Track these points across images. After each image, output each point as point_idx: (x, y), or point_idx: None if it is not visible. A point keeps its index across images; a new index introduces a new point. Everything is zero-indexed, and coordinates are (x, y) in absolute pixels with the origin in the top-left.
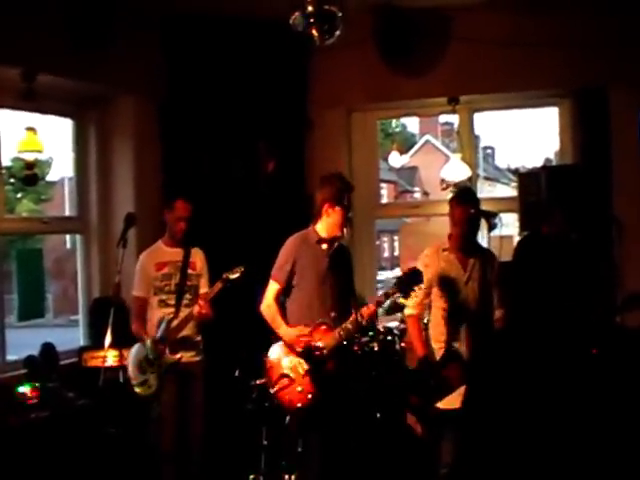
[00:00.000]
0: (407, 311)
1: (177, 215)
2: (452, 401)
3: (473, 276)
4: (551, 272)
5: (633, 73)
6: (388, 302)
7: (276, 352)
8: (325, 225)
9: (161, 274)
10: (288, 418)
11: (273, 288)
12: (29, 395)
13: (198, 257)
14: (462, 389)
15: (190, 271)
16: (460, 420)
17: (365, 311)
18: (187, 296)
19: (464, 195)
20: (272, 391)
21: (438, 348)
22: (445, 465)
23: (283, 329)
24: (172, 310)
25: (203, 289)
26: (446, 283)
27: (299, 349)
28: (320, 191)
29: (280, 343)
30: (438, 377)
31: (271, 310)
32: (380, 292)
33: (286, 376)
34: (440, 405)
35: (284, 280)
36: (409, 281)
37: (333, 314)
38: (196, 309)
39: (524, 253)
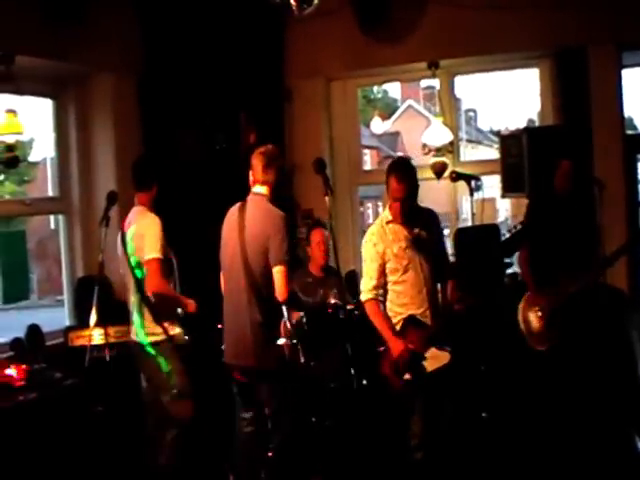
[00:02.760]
0: (363, 297)
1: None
2: None
3: (421, 242)
4: (564, 231)
5: (613, 33)
6: None
7: None
8: None
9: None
10: None
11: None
12: (16, 377)
13: None
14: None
15: None
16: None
17: None
18: None
19: (398, 166)
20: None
21: (396, 322)
22: (415, 436)
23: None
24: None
25: None
26: (399, 254)
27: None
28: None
29: None
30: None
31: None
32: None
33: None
34: (408, 376)
35: None
36: None
37: None
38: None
39: (537, 214)
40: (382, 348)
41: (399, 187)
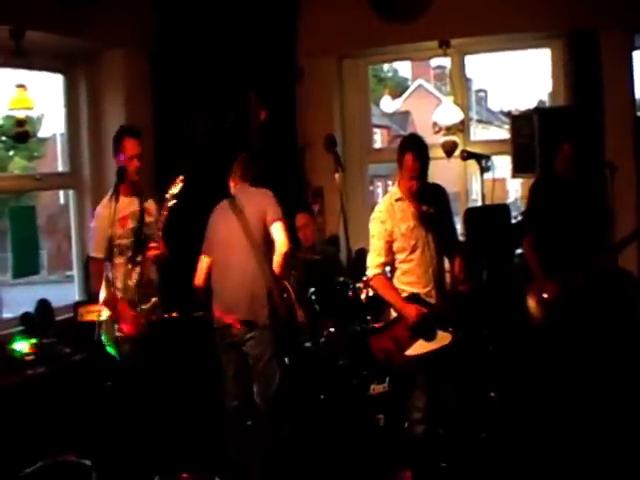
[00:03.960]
0: (370, 272)
1: (128, 154)
2: (421, 347)
3: (429, 219)
4: (568, 215)
5: (625, 14)
6: None
7: None
8: None
9: (126, 230)
10: None
11: None
12: (26, 352)
13: (150, 202)
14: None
15: (148, 219)
16: (433, 363)
17: None
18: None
19: (415, 143)
20: None
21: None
22: (417, 409)
23: None
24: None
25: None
26: (406, 233)
27: None
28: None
29: None
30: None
31: None
32: None
33: None
34: (409, 352)
35: None
36: None
37: None
38: (150, 252)
39: (539, 198)
40: (380, 324)
41: (416, 165)
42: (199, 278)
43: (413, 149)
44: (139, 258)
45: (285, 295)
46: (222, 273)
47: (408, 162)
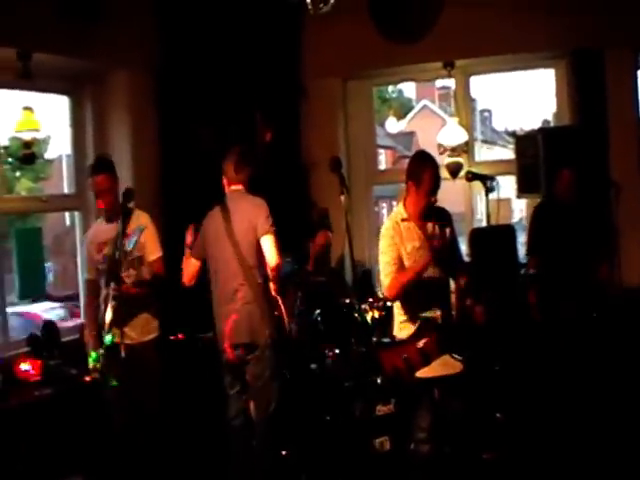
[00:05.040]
0: (384, 287)
1: (94, 190)
2: (431, 370)
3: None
4: (566, 238)
5: (629, 34)
6: None
7: None
8: None
9: (102, 256)
10: None
11: None
12: (32, 373)
13: (137, 225)
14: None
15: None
16: (442, 385)
17: None
18: (131, 271)
19: (430, 157)
20: None
21: (404, 320)
22: (421, 429)
23: None
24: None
25: (152, 256)
26: (412, 252)
27: None
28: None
29: None
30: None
31: None
32: None
33: None
34: (419, 374)
35: None
36: None
37: None
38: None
39: (539, 222)
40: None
41: (437, 180)
42: (188, 278)
43: (432, 165)
44: (113, 284)
45: (276, 313)
46: (219, 289)
47: (429, 177)
